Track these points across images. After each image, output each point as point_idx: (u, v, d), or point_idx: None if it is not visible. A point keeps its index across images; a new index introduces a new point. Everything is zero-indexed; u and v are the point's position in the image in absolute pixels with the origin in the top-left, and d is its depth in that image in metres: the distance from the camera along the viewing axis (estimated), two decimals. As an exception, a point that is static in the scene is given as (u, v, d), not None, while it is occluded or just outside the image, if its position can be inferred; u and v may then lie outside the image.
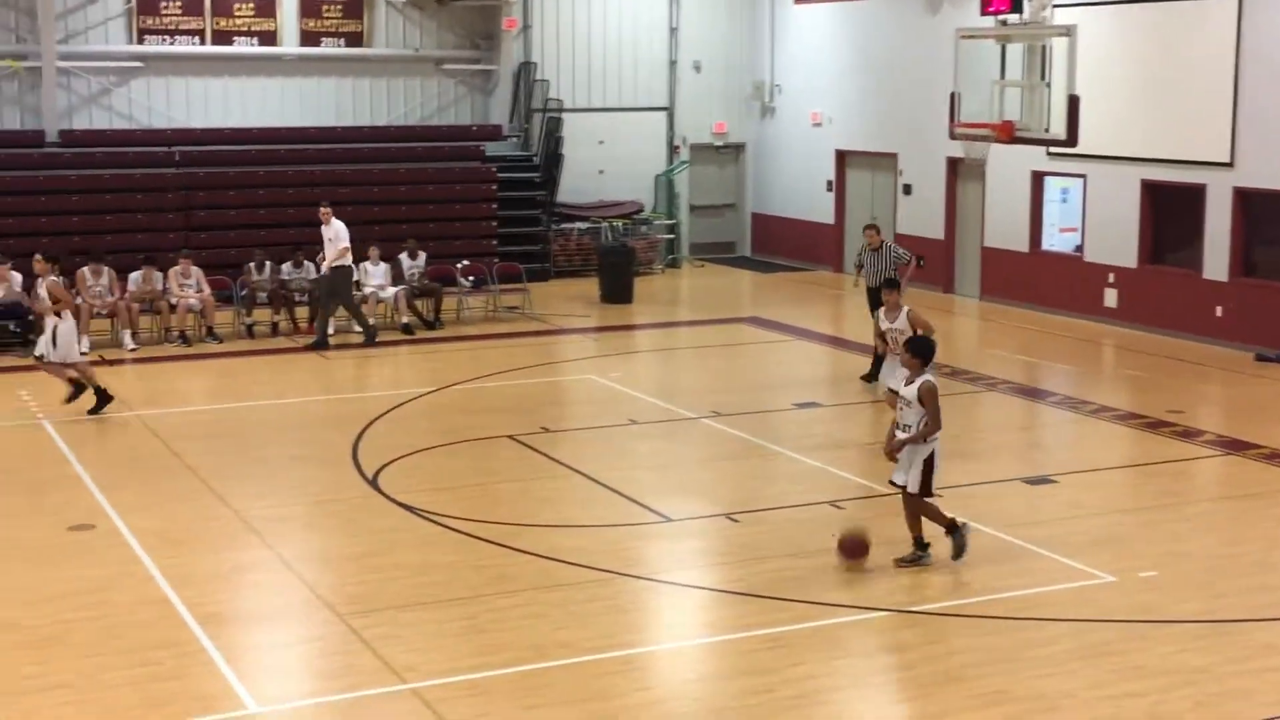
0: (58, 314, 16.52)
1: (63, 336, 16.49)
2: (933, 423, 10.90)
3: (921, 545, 11.23)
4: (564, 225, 28.90)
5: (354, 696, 8.89)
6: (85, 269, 20.98)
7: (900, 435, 11.06)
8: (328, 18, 28.28)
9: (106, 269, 21.16)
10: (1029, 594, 10.63)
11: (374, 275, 22.54)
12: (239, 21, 27.65)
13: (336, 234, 20.97)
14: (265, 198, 26.22)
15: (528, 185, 28.57)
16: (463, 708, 8.66)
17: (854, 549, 11.13)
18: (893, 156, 27.17)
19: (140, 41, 27.14)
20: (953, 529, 11.24)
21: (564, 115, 28.96)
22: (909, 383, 11.10)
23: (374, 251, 22.62)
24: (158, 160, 26.20)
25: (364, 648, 9.58)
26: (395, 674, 9.14)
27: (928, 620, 10.21)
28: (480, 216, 27.65)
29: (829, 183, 29.00)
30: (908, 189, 26.84)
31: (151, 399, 17.68)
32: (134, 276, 21.41)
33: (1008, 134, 19.42)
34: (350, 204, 26.33)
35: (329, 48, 28.36)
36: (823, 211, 29.25)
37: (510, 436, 15.44)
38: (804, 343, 21.57)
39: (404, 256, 23.05)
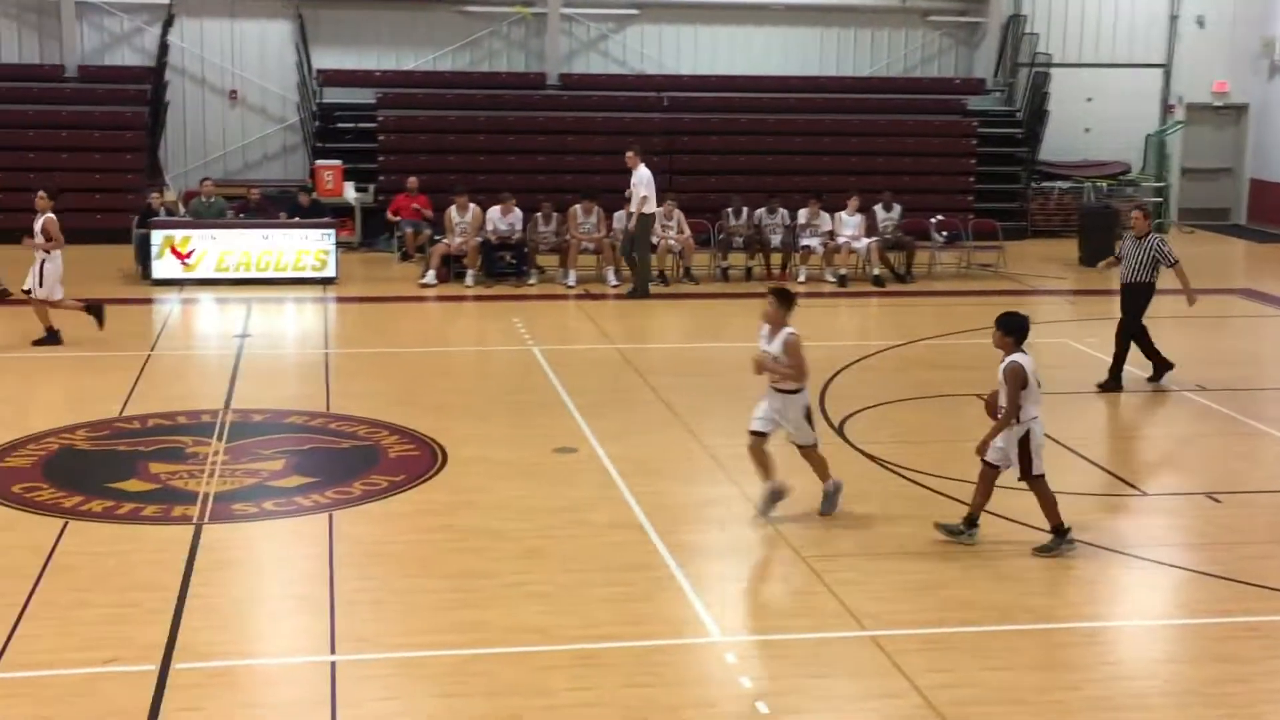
0: (47, 251, 16.73)
1: (49, 275, 16.74)
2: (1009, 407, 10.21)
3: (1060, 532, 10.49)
4: (1045, 184, 28.08)
5: (815, 637, 9.02)
6: (577, 206, 22.05)
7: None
8: (818, -33, 28.45)
9: (596, 207, 22.17)
10: None
11: (848, 225, 22.60)
12: (732, -30, 28.22)
13: (640, 180, 20.90)
14: (745, 144, 26.76)
15: (1009, 141, 27.91)
16: (921, 660, 8.63)
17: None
18: None
19: (638, -11, 28.15)
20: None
21: (1051, 70, 28.05)
22: None
23: (852, 202, 22.67)
24: (647, 105, 27.16)
25: (826, 591, 9.70)
26: (855, 620, 9.21)
27: None
28: (958, 171, 27.24)
29: (1343, 149, 26.88)
30: None
31: (630, 334, 18.44)
32: (619, 216, 22.33)
33: None
34: (828, 154, 26.54)
35: (817, -2, 28.54)
36: (1332, 180, 27.18)
37: (978, 395, 15.18)
38: (1302, 319, 20.13)
39: (879, 208, 23.00)
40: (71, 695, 7.98)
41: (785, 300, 11.23)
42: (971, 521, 10.66)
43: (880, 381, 15.94)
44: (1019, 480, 10.52)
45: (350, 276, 21.63)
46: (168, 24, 26.00)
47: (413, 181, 23.76)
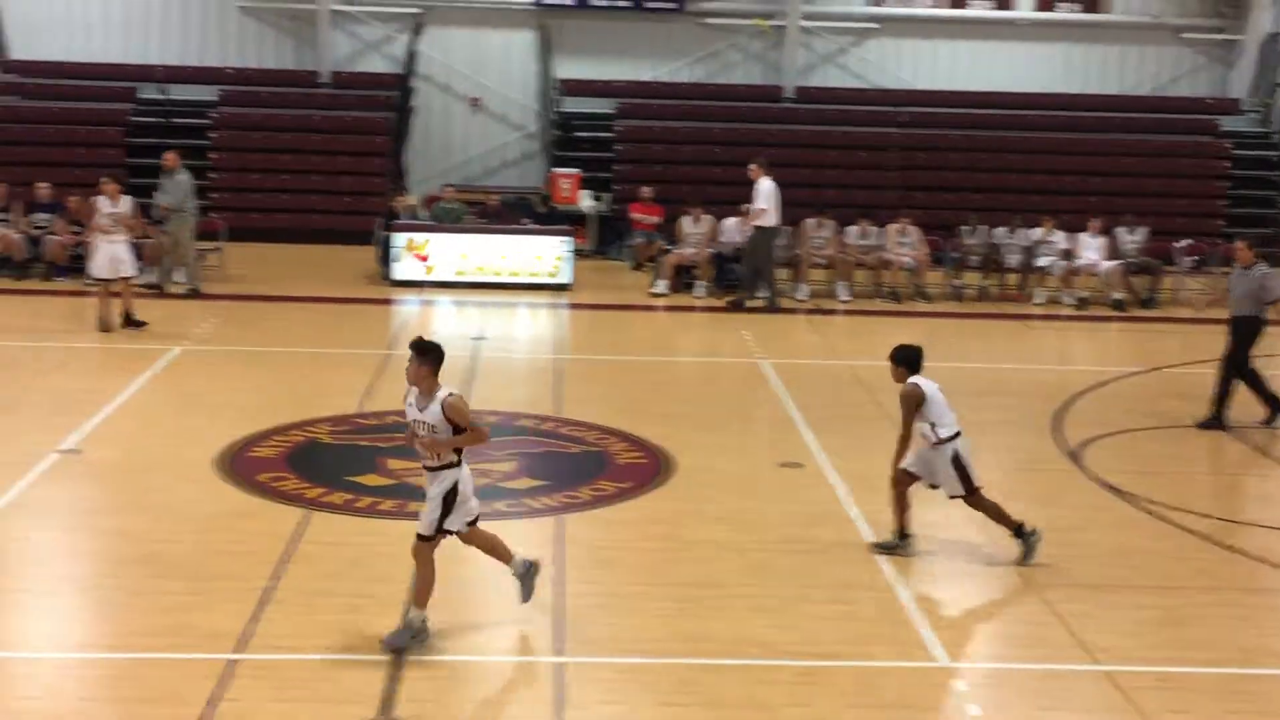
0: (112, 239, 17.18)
1: (120, 260, 17.17)
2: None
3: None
4: (1301, 209, 26.91)
5: (1044, 668, 8.79)
6: (810, 220, 21.97)
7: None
8: (1066, -18, 27.82)
9: (829, 222, 22.05)
10: None
11: (1089, 247, 21.99)
12: (976, -15, 27.78)
13: (761, 193, 20.45)
14: (984, 161, 26.30)
15: (1265, 165, 26.80)
16: (1156, 699, 8.33)
17: None
18: None
19: (880, 3, 27.92)
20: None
21: (1313, 91, 26.89)
22: None
23: (1094, 224, 22.07)
24: (883, 120, 26.91)
25: (1057, 621, 9.44)
26: (1088, 653, 8.95)
27: None
28: (1207, 195, 26.31)
29: None
30: None
31: (860, 350, 18.27)
32: (852, 230, 22.16)
33: None
34: (1070, 173, 25.91)
35: (1064, 12, 27.88)
36: None
37: (1224, 427, 14.62)
38: None
39: (1122, 230, 22.34)
40: (310, 680, 8.27)
41: (426, 355, 8.76)
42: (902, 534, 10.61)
43: (1119, 408, 15.47)
44: (963, 499, 10.42)
45: (583, 283, 21.94)
46: (417, 32, 26.80)
47: (646, 191, 23.99)
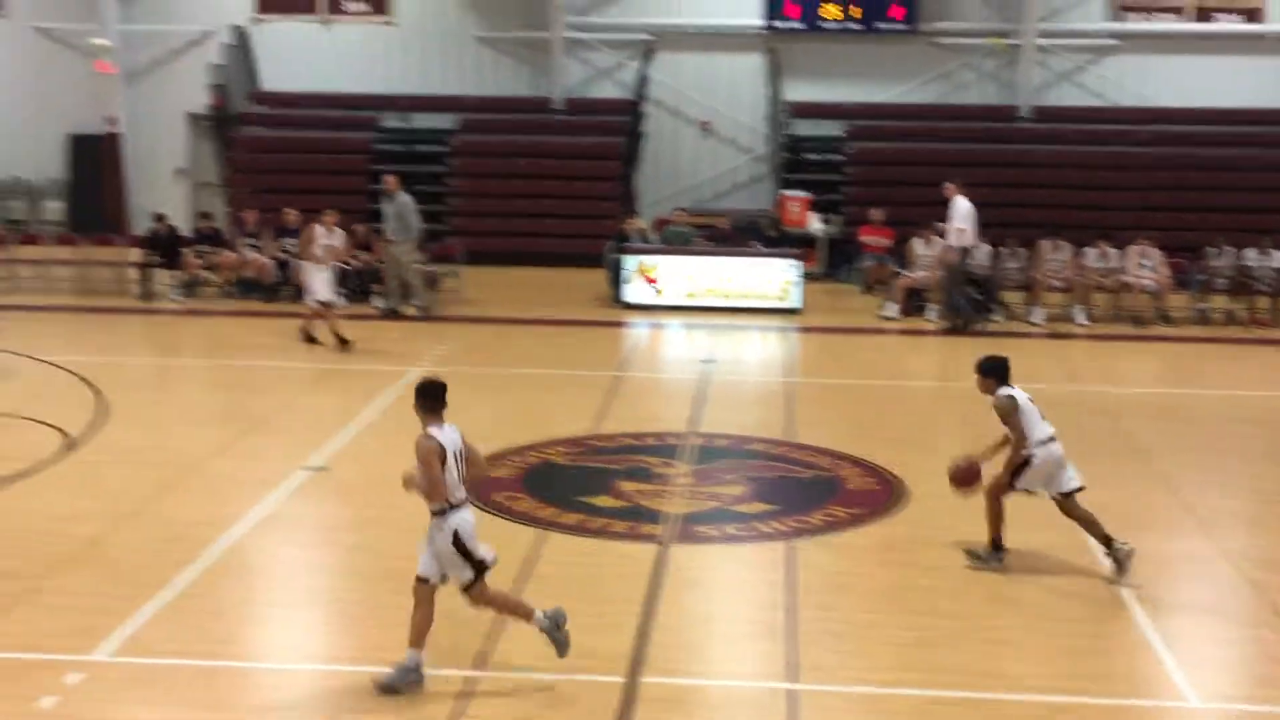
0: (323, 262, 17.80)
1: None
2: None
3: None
4: None
5: (1299, 711, 8.39)
6: (1045, 242, 21.46)
7: None
8: (1320, -7, 26.64)
9: (1065, 244, 21.51)
10: None
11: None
12: (1223, -2, 26.82)
13: (957, 213, 19.81)
14: (1231, 181, 25.33)
15: None
16: None
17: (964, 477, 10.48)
18: None
19: (1120, 19, 27.16)
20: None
21: None
22: None
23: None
24: (1124, 138, 26.16)
25: (1316, 663, 8.99)
26: (1351, 697, 8.50)
27: None
28: None
29: None
30: None
31: (1099, 376, 17.76)
32: (1090, 253, 21.56)
33: None
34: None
35: (1318, 25, 26.72)
36: None
37: None
38: None
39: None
40: (548, 699, 8.36)
41: (417, 395, 8.82)
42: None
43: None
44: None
45: (813, 306, 21.82)
46: (647, 58, 27.09)
47: (877, 214, 23.76)
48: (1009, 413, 10.31)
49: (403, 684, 8.39)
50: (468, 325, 20.09)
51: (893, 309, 21.25)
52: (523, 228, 25.67)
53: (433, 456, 8.44)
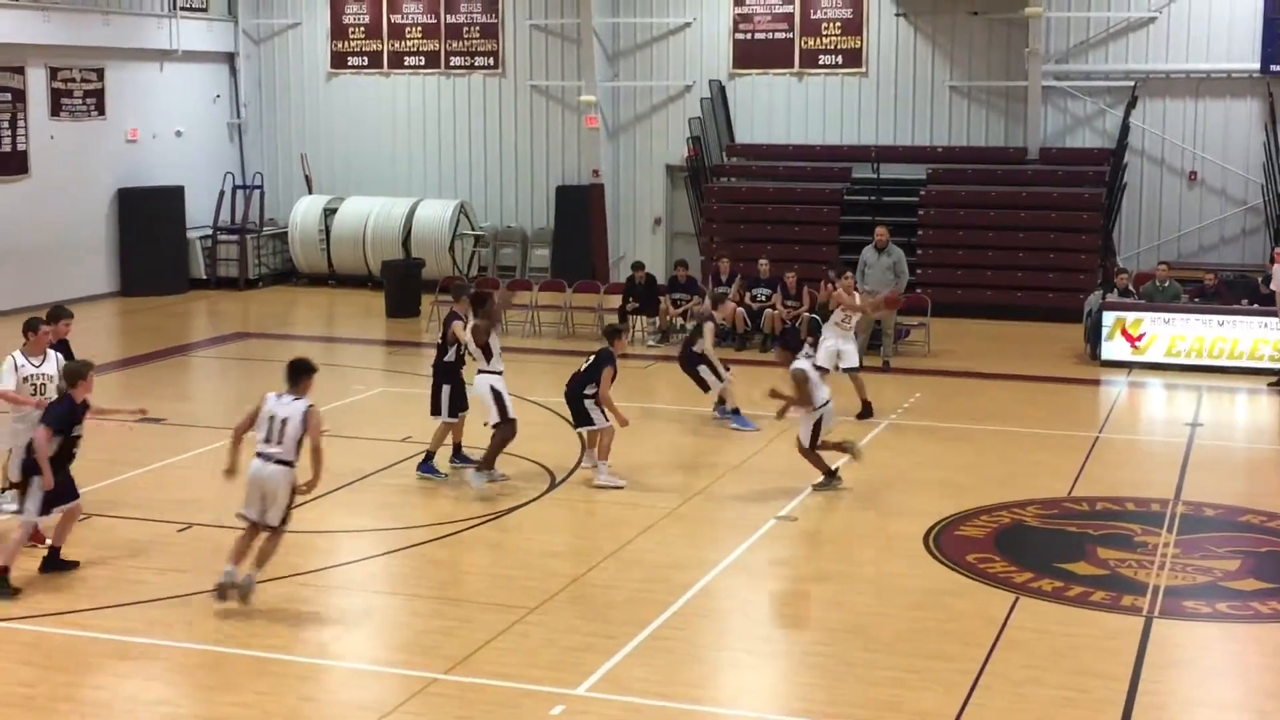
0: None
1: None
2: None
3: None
4: None
5: None
6: None
7: None
8: None
9: None
10: None
11: None
12: None
13: None
14: None
15: None
16: None
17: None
18: None
19: None
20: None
21: None
22: None
23: None
24: None
25: None
26: None
27: None
28: None
29: None
30: None
31: None
32: None
33: None
34: None
35: None
36: None
37: None
38: None
39: None
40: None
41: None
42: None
43: None
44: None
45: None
46: (1130, 105, 26.04)
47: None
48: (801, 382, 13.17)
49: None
50: (933, 378, 19.79)
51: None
52: (993, 280, 25.09)
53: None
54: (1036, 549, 12.23)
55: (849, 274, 17.95)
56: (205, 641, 10.01)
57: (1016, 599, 10.88)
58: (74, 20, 25.71)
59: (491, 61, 29.16)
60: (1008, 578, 11.38)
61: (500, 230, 29.22)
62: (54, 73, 25.51)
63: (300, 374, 10.72)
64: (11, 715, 8.81)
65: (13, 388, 11.83)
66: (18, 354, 12.04)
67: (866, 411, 16.91)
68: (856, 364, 17.23)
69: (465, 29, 29.14)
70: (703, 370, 16.74)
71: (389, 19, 29.34)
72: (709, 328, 16.82)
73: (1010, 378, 19.78)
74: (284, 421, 10.46)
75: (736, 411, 16.63)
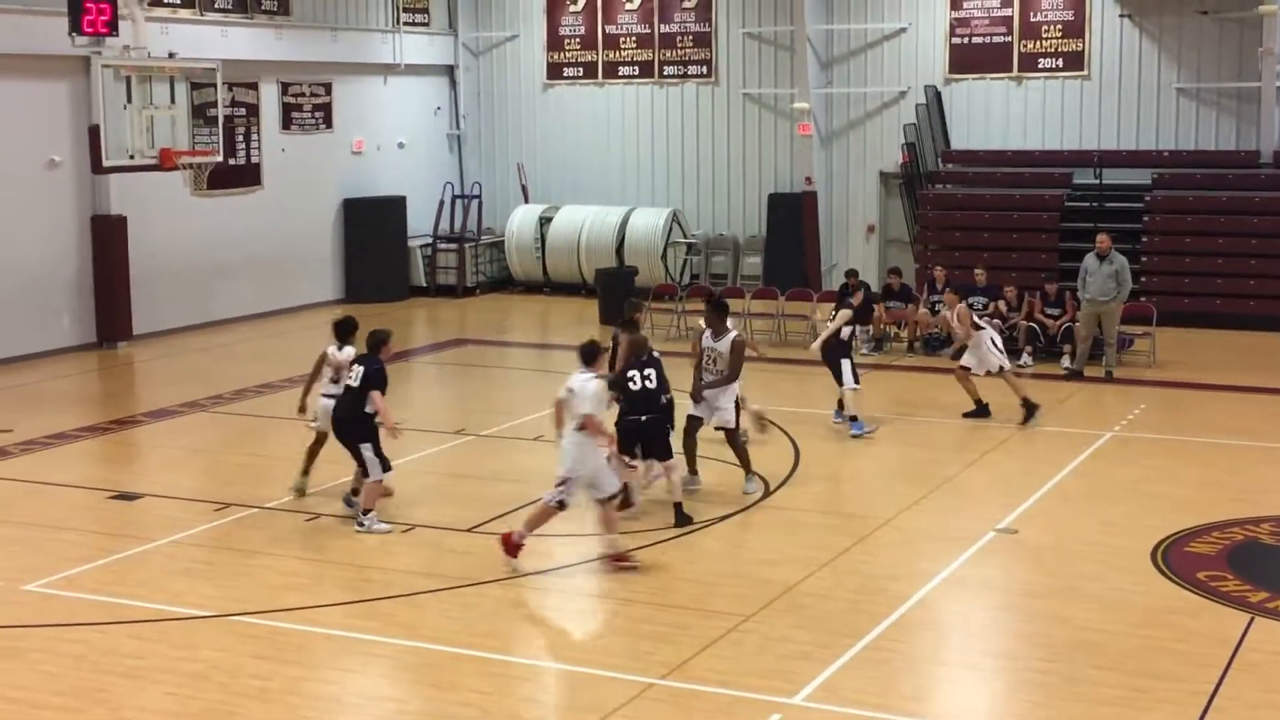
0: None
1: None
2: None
3: None
4: None
5: None
6: None
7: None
8: None
9: None
10: None
11: None
12: None
13: None
14: None
15: None
16: None
17: None
18: None
19: None
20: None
21: None
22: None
23: None
24: None
25: None
26: None
27: None
28: None
29: None
30: None
31: None
32: None
33: None
34: None
35: None
36: None
37: None
38: None
39: None
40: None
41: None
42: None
43: None
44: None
45: None
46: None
47: None
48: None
49: None
50: (1157, 389, 19.17)
51: None
52: (1222, 288, 24.20)
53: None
54: (1273, 568, 11.76)
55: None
56: (428, 640, 10.25)
57: (1252, 619, 10.46)
58: (305, 37, 26.64)
59: (705, 70, 29.27)
60: (1242, 597, 10.96)
61: (712, 238, 29.30)
62: (285, 87, 26.49)
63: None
64: (245, 707, 9.15)
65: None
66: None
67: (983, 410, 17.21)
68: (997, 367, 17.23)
69: (679, 38, 29.32)
70: (844, 365, 16.51)
71: (604, 29, 29.69)
72: (844, 314, 16.59)
73: (1241, 389, 19.06)
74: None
75: (855, 419, 16.44)
